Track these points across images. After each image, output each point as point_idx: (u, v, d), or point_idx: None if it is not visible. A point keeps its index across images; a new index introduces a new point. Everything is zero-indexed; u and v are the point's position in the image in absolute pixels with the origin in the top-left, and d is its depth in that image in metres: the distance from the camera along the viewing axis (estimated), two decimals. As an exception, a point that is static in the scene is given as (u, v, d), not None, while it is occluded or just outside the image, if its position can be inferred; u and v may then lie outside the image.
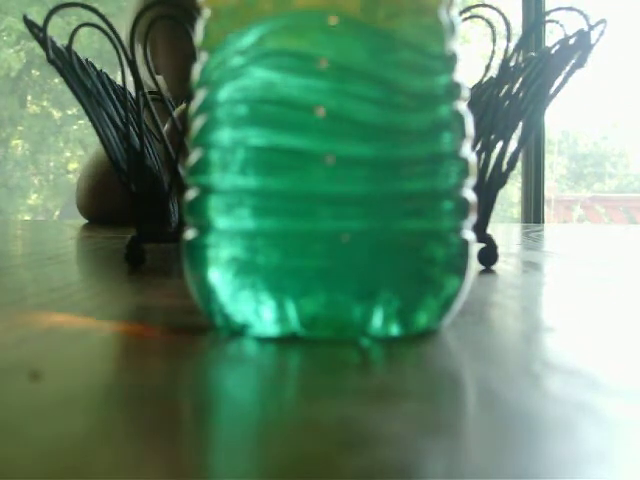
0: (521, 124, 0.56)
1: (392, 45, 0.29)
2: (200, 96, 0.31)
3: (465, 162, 0.31)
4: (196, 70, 0.31)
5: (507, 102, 0.55)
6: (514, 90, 0.56)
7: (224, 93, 0.30)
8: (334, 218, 0.29)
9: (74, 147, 4.79)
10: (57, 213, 4.76)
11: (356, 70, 0.29)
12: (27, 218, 4.37)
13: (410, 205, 0.29)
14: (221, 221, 0.30)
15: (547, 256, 0.72)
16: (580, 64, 0.54)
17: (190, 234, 0.31)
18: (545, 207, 2.44)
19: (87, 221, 1.28)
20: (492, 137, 0.55)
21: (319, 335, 0.29)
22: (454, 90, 0.31)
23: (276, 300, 0.29)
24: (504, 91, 0.55)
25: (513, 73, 0.55)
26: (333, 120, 0.29)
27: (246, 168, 0.29)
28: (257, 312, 0.29)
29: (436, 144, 0.30)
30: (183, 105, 0.77)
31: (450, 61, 0.30)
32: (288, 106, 0.29)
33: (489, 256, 0.55)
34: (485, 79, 0.61)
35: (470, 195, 0.31)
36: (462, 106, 0.31)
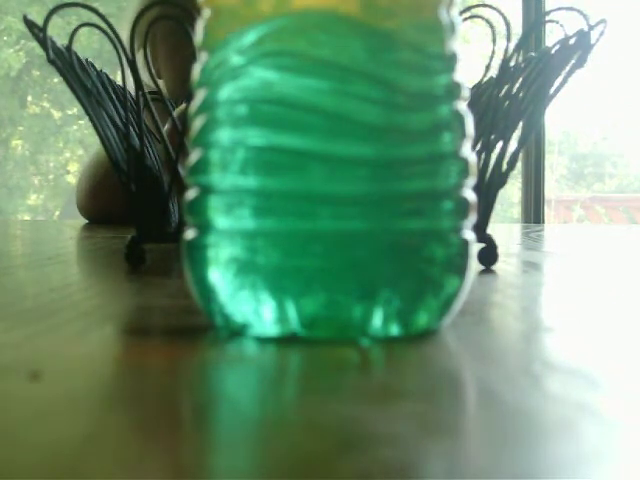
0: (521, 124, 0.56)
1: (392, 45, 0.29)
2: (200, 96, 0.31)
3: (465, 162, 0.31)
4: (196, 70, 0.31)
5: (507, 102, 0.55)
6: (514, 90, 0.56)
7: (224, 93, 0.30)
8: (334, 218, 0.29)
9: (74, 147, 4.79)
10: (57, 213, 4.77)
11: (356, 70, 0.29)
12: (27, 218, 4.37)
13: (410, 205, 0.29)
14: (221, 221, 0.30)
15: (547, 256, 0.72)
16: (580, 64, 0.54)
17: (190, 234, 0.31)
18: (545, 207, 2.44)
19: (87, 221, 1.28)
20: (492, 137, 0.55)
21: (319, 335, 0.29)
22: (454, 90, 0.31)
23: (276, 300, 0.29)
24: (504, 91, 0.55)
25: (513, 73, 0.55)
26: (333, 120, 0.29)
27: (246, 168, 0.29)
28: (257, 312, 0.29)
29: (436, 144, 0.30)
30: (183, 105, 0.77)
31: (450, 61, 0.30)
32: (288, 106, 0.29)
33: (489, 256, 0.55)
34: (485, 79, 0.60)
35: (470, 195, 0.31)
36: (462, 106, 0.31)
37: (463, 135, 0.31)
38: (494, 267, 0.55)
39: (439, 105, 0.30)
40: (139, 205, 0.56)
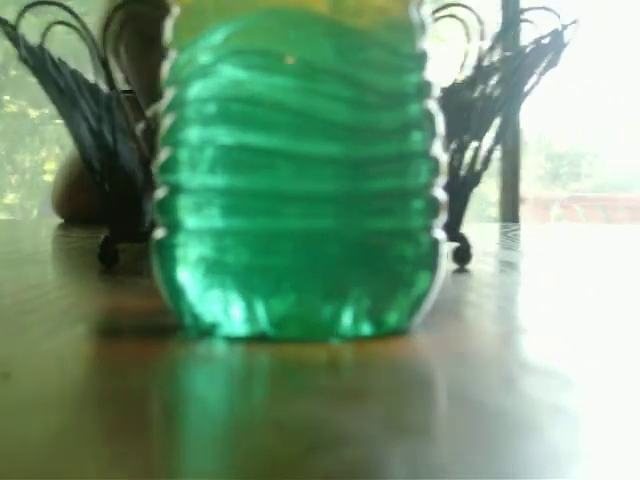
0: (495, 123, 0.56)
1: (361, 43, 0.29)
2: (169, 94, 0.31)
3: (435, 161, 0.30)
4: (165, 68, 0.31)
5: (481, 101, 0.55)
6: (488, 89, 0.56)
7: (193, 91, 0.30)
8: (303, 217, 0.28)
9: (51, 146, 4.77)
10: (35, 212, 4.74)
11: (325, 68, 0.29)
12: (3, 218, 4.35)
13: (380, 204, 0.29)
14: (190, 220, 0.29)
15: (524, 255, 0.72)
16: (554, 63, 0.54)
17: (159, 233, 0.31)
18: (523, 207, 2.45)
19: (63, 221, 1.27)
20: (466, 136, 0.55)
21: (288, 335, 0.29)
22: (424, 89, 0.31)
23: (245, 299, 0.29)
24: (478, 90, 0.55)
25: (487, 72, 0.55)
26: (302, 118, 0.28)
27: (215, 167, 0.29)
28: (226, 312, 0.29)
29: (406, 143, 0.30)
30: (157, 104, 0.77)
31: (420, 59, 0.30)
32: (257, 104, 0.29)
33: (463, 255, 0.55)
34: (460, 78, 0.60)
35: (441, 194, 0.31)
36: (432, 105, 0.31)
37: (433, 134, 0.31)
38: (470, 266, 0.55)
39: (409, 104, 0.30)
40: (112, 205, 0.55)
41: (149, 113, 0.64)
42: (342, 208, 0.29)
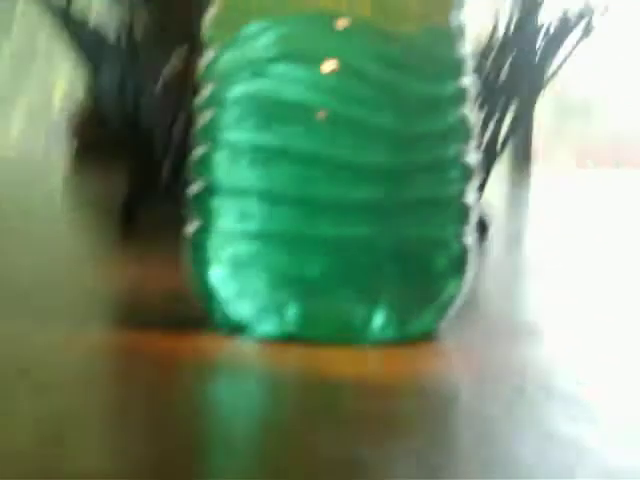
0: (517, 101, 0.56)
1: (402, 49, 0.29)
2: (208, 91, 0.30)
3: (468, 168, 0.30)
4: (204, 63, 0.31)
5: (503, 77, 0.55)
6: (513, 62, 0.56)
7: (233, 92, 0.29)
8: (337, 222, 0.28)
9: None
10: (44, 140, 4.73)
11: (364, 74, 0.28)
12: (12, 145, 4.33)
13: (413, 211, 0.29)
14: (224, 221, 0.29)
15: (536, 220, 0.72)
16: (582, 40, 0.55)
17: (193, 232, 0.31)
18: (533, 159, 2.42)
19: (73, 154, 1.26)
20: (490, 107, 0.55)
21: (319, 337, 0.29)
22: (462, 95, 0.30)
23: (277, 301, 0.29)
24: (505, 63, 0.55)
25: (512, 46, 0.55)
26: (340, 124, 0.28)
27: (252, 168, 0.29)
28: (257, 312, 0.29)
29: (442, 150, 0.30)
30: (182, 51, 0.76)
31: (459, 66, 0.30)
32: (295, 109, 0.28)
33: (480, 233, 0.54)
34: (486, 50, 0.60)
35: (472, 200, 0.31)
36: (468, 111, 0.31)
37: (468, 141, 0.30)
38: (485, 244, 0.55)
39: (447, 110, 0.30)
40: (133, 164, 0.55)
41: (176, 58, 0.63)
42: (375, 215, 0.29)
